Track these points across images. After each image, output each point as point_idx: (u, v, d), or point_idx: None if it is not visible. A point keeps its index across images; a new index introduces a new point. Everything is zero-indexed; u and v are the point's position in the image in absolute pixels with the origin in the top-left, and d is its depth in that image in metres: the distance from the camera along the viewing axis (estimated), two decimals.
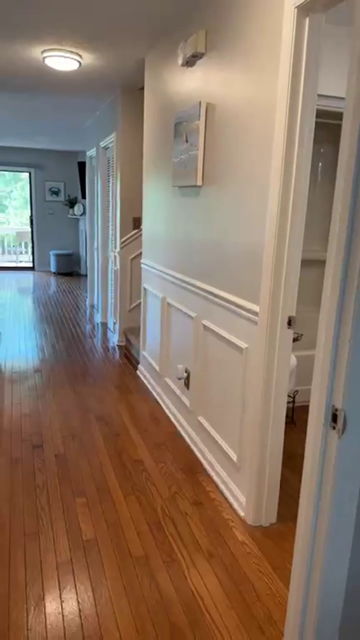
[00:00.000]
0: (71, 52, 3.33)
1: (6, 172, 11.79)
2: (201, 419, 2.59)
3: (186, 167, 2.64)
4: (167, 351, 3.20)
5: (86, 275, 7.37)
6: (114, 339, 4.95)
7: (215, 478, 2.40)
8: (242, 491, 2.15)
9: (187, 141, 2.63)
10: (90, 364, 4.18)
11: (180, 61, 2.65)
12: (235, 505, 2.18)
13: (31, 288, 8.00)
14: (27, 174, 9.88)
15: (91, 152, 6.10)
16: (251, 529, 2.06)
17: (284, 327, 1.89)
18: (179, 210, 2.87)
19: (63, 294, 7.56)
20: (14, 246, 12.93)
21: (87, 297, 7.00)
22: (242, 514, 2.13)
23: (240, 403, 2.12)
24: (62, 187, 9.97)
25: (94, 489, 2.31)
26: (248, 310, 2.00)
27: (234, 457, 2.20)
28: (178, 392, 2.96)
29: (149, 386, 3.63)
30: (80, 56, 3.41)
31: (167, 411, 3.17)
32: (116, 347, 4.76)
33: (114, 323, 5.10)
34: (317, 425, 1.11)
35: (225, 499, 2.26)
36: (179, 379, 2.86)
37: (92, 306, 6.55)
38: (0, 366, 4.03)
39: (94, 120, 5.80)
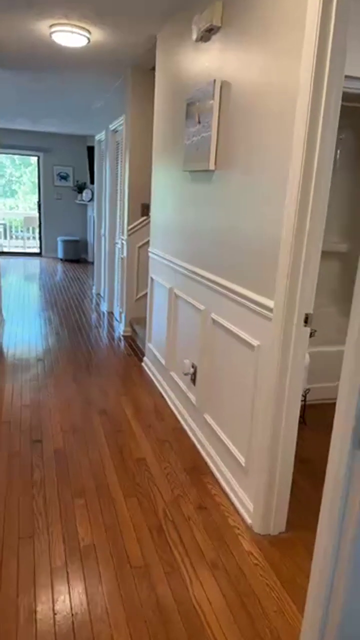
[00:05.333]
0: (79, 26, 3.15)
1: (16, 157, 11.63)
2: (207, 417, 2.47)
3: (198, 150, 2.48)
4: (173, 344, 3.07)
5: (93, 262, 7.24)
6: (120, 329, 4.83)
7: (221, 480, 2.28)
8: (249, 497, 2.03)
9: (199, 122, 2.46)
10: (94, 354, 4.06)
11: (194, 36, 2.48)
12: (242, 511, 2.06)
13: (37, 274, 7.90)
14: (36, 158, 9.72)
15: (100, 136, 5.93)
16: (258, 538, 1.94)
17: (300, 325, 1.75)
18: (190, 196, 2.71)
19: (69, 281, 7.44)
20: (21, 231, 12.81)
21: (93, 284, 6.87)
22: (249, 521, 2.01)
23: (250, 403, 1.99)
24: (71, 172, 9.80)
25: (93, 488, 2.21)
26: (261, 306, 1.86)
27: (242, 461, 2.08)
28: (184, 387, 2.84)
29: (154, 379, 3.51)
30: (88, 32, 3.23)
31: (172, 406, 3.05)
32: (122, 337, 4.64)
33: (120, 312, 4.97)
34: (343, 446, 0.97)
35: (232, 503, 2.14)
36: (185, 374, 2.73)
37: (99, 294, 6.43)
38: (3, 354, 3.93)
39: (103, 102, 5.61)
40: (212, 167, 2.34)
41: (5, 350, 4.05)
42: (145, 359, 3.84)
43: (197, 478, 2.32)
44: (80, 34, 3.21)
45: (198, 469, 2.40)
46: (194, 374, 2.64)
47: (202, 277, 2.48)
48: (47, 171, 9.66)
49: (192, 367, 2.66)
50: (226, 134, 2.21)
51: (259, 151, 1.89)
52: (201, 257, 2.54)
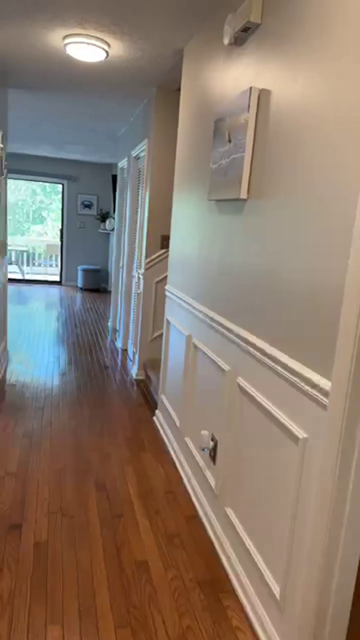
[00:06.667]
0: (96, 37, 2.80)
1: (46, 184, 11.56)
2: (230, 513, 1.92)
3: (227, 175, 2.02)
4: (190, 405, 2.55)
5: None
6: (133, 371, 4.33)
7: (246, 607, 1.71)
8: None
9: (229, 141, 2.01)
10: (101, 402, 3.57)
11: (226, 39, 2.06)
12: None
13: (54, 304, 7.53)
14: (61, 185, 9.55)
15: (122, 163, 5.60)
16: None
17: None
18: (215, 230, 2.24)
19: (86, 312, 7.04)
20: (44, 259, 12.65)
21: (110, 317, 6.45)
22: None
23: (290, 514, 1.44)
24: (95, 201, 9.58)
25: (75, 610, 1.66)
26: (311, 385, 1.33)
27: (276, 590, 1.51)
28: (201, 463, 2.30)
29: (166, 441, 2.98)
30: (107, 44, 2.88)
31: (186, 483, 2.50)
32: (134, 382, 4.14)
33: (134, 353, 4.49)
34: None
35: None
36: (203, 449, 2.20)
37: (115, 329, 5.98)
38: (4, 398, 3.48)
39: (127, 127, 5.31)
40: (243, 195, 1.87)
41: (6, 394, 3.59)
42: (157, 412, 3.32)
43: (214, 598, 1.76)
44: (98, 46, 2.86)
45: (216, 583, 1.83)
46: (214, 449, 2.10)
47: (228, 329, 1.98)
48: (71, 199, 9.47)
49: (212, 440, 2.13)
50: (264, 154, 1.74)
51: (310, 177, 1.41)
52: (227, 304, 2.04)
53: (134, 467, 2.65)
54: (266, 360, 1.62)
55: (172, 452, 2.83)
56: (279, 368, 1.52)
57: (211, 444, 2.13)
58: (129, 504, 2.30)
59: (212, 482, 2.11)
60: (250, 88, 1.80)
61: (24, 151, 8.29)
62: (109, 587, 1.78)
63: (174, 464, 2.72)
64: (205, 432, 2.17)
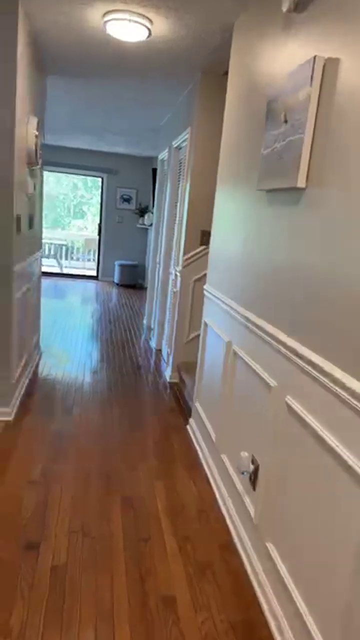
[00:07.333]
0: (138, 14, 2.58)
1: (88, 178, 11.54)
2: (271, 549, 1.67)
3: (281, 159, 1.76)
4: (227, 418, 2.31)
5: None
6: (167, 373, 4.13)
7: None
8: None
9: (285, 121, 1.75)
10: (132, 405, 3.38)
11: (285, 5, 1.79)
12: None
13: (89, 299, 7.44)
14: (100, 179, 9.45)
15: (163, 155, 5.39)
16: None
17: None
18: (263, 224, 1.99)
19: (121, 308, 6.90)
20: (82, 253, 12.65)
21: (145, 315, 6.27)
22: None
23: (353, 567, 1.19)
24: (134, 195, 9.44)
25: None
26: None
27: None
28: (239, 487, 2.06)
29: (199, 453, 2.75)
30: (149, 21, 2.65)
31: (220, 503, 2.27)
32: (168, 385, 3.93)
33: (168, 353, 4.28)
34: None
35: None
36: (243, 472, 1.95)
37: (150, 327, 5.80)
38: (33, 396, 3.34)
39: (169, 116, 5.08)
40: (301, 183, 1.61)
41: (36, 389, 3.46)
42: (191, 420, 3.09)
43: None
44: (140, 24, 2.64)
45: (252, 629, 1.59)
46: (255, 473, 1.86)
47: (276, 339, 1.73)
48: (110, 193, 9.36)
49: (253, 462, 1.88)
50: (326, 136, 1.47)
51: None
52: (275, 309, 1.79)
53: (163, 481, 2.44)
54: (322, 378, 1.36)
55: (205, 467, 2.60)
56: (342, 392, 1.26)
57: (251, 467, 1.88)
58: (156, 523, 2.09)
59: (251, 510, 1.87)
60: (315, 57, 1.53)
61: (64, 143, 8.22)
62: (130, 624, 1.57)
63: (207, 480, 2.49)
64: (245, 454, 1.92)
